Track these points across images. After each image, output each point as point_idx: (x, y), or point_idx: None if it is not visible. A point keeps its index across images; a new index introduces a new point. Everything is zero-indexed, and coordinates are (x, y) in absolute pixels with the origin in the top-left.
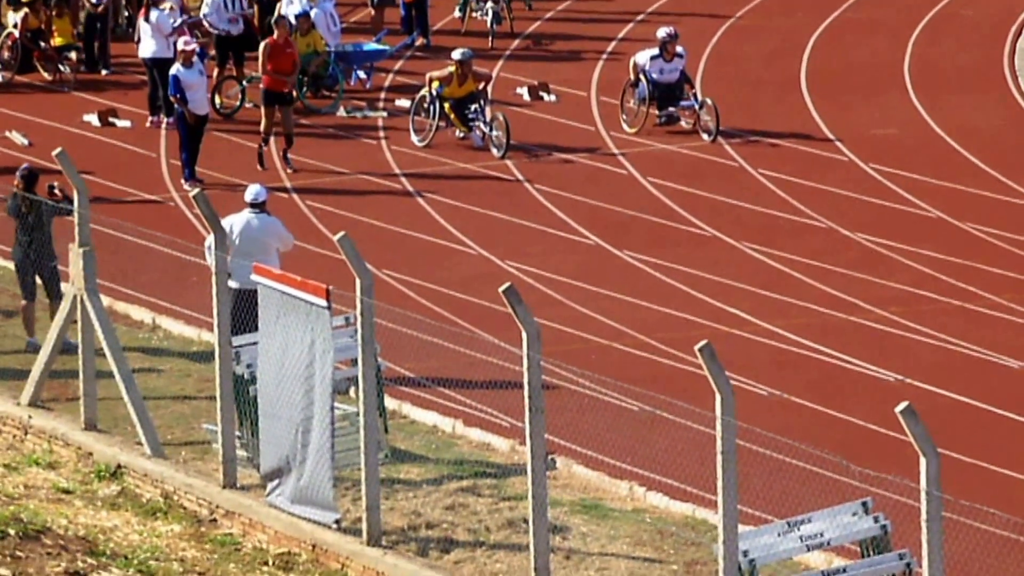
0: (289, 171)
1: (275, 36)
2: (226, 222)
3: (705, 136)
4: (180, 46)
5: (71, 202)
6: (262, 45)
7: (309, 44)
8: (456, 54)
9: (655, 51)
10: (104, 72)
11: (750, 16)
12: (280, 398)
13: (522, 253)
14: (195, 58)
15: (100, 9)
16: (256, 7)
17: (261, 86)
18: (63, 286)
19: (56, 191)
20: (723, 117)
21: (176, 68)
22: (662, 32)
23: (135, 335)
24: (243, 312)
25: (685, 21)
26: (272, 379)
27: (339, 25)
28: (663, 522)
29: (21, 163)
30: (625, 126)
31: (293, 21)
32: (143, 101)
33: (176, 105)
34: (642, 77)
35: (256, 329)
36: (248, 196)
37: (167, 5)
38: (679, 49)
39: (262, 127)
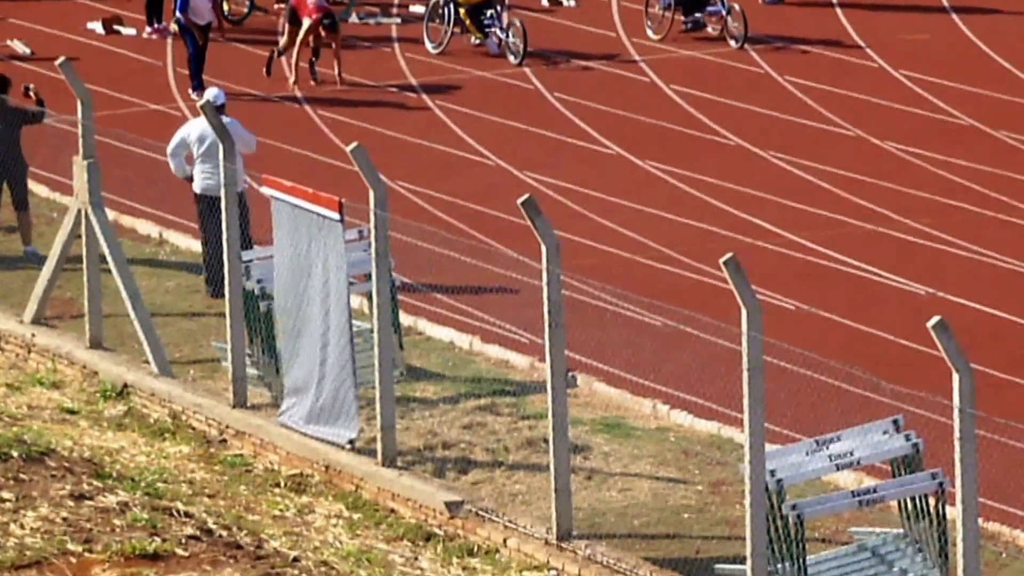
0: (313, 83)
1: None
2: (185, 129)
3: (732, 43)
4: None
5: (44, 105)
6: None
7: None
8: None
9: None
10: None
11: None
12: (296, 314)
13: (540, 164)
14: None
15: None
16: None
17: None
18: (67, 199)
19: (31, 93)
20: (748, 23)
21: None
22: None
23: (141, 250)
24: (207, 217)
25: None
26: (287, 295)
27: None
28: (687, 441)
29: (22, 73)
30: (650, 32)
31: None
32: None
33: (182, 20)
34: None
35: (220, 235)
36: (203, 101)
37: None
38: None
39: (281, 43)
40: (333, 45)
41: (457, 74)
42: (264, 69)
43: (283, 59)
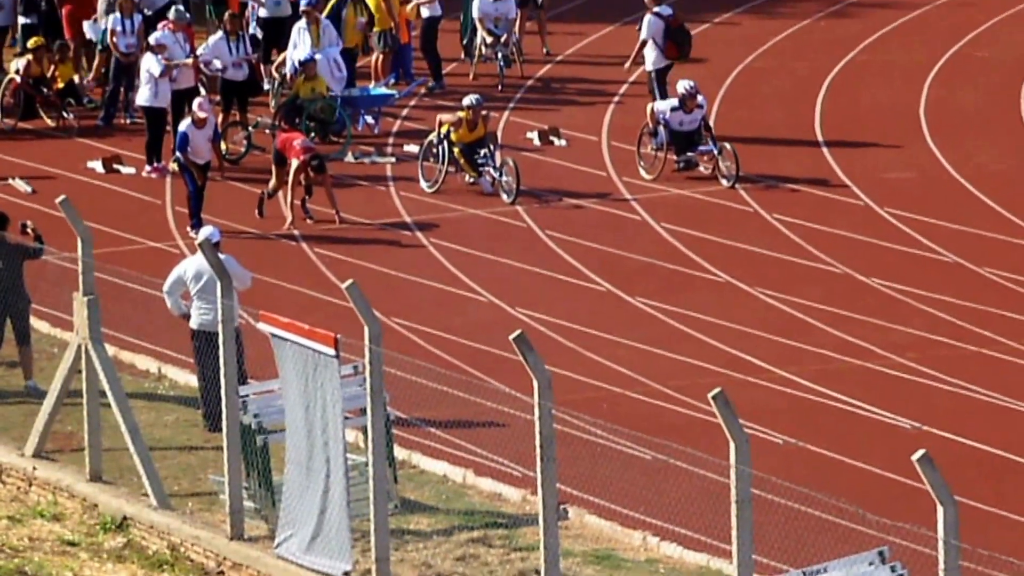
0: (308, 221)
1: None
2: (180, 267)
3: (724, 181)
4: (194, 109)
5: (43, 241)
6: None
7: (314, 88)
8: (467, 100)
9: (675, 102)
10: (128, 121)
11: (763, 59)
12: (295, 446)
13: (533, 300)
14: (208, 121)
15: (131, 58)
16: (259, 52)
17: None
18: (68, 335)
19: (29, 230)
20: (740, 162)
21: (187, 126)
22: (682, 87)
23: (140, 384)
24: (204, 352)
25: (697, 65)
26: (291, 427)
27: (344, 71)
28: (677, 572)
29: (24, 211)
30: (643, 172)
31: (298, 66)
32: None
33: (181, 159)
34: (660, 125)
35: (217, 370)
36: (201, 239)
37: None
38: (700, 99)
39: (270, 185)
40: (324, 185)
41: (451, 212)
42: (256, 211)
43: (279, 199)
